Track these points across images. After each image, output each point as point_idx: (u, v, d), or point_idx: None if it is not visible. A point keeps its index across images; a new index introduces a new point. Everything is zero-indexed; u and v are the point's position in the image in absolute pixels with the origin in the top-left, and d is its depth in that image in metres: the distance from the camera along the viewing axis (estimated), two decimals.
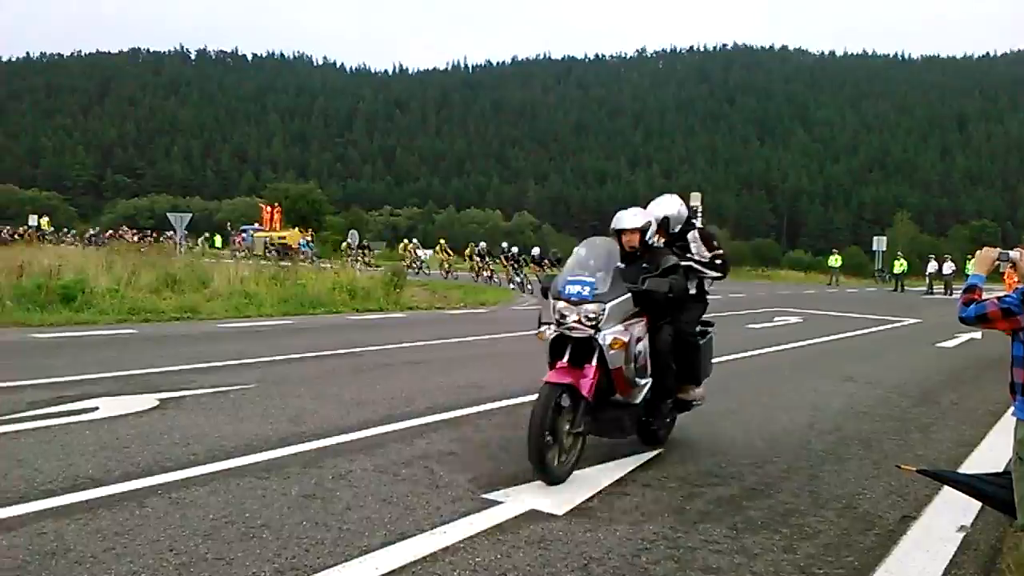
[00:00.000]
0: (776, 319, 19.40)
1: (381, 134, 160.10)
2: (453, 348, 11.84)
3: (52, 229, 56.78)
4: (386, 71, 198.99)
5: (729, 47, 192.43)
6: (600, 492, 4.89)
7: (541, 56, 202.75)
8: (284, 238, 45.90)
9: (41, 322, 12.63)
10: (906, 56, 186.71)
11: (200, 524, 4.12)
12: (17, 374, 7.88)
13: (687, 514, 4.60)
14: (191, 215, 34.62)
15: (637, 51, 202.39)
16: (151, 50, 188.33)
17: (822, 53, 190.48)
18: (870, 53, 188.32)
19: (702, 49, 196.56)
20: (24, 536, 3.83)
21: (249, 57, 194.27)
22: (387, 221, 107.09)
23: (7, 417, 6.21)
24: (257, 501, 4.52)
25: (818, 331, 16.48)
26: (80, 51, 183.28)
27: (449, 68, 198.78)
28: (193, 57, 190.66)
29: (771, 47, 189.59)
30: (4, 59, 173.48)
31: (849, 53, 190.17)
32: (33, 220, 59.36)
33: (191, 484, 4.75)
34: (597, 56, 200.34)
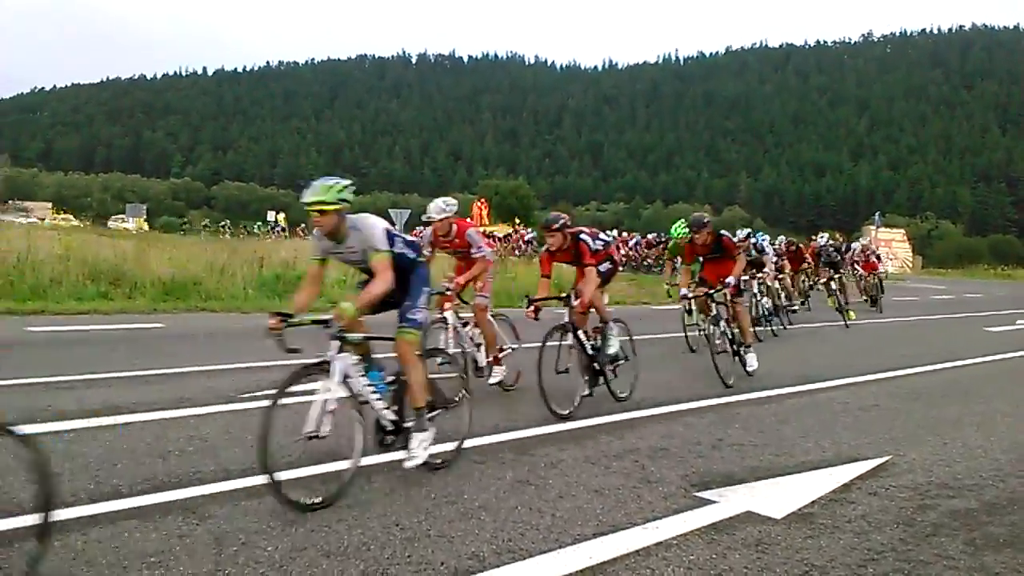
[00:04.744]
0: (1018, 322, 17.86)
1: (589, 129, 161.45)
2: (657, 344, 11.67)
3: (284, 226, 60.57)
4: (596, 67, 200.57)
5: (967, 28, 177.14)
6: (821, 498, 4.67)
7: (757, 45, 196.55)
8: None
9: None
10: None
11: (423, 502, 4.35)
12: (264, 356, 8.64)
13: (918, 526, 4.29)
14: (409, 211, 36.67)
15: (863, 36, 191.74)
16: (376, 56, 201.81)
17: None
18: None
19: (936, 31, 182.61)
20: (268, 503, 4.20)
21: (465, 59, 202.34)
22: (594, 216, 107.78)
23: (251, 394, 6.84)
24: (474, 484, 4.70)
25: None
26: (313, 59, 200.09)
27: (659, 61, 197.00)
28: (414, 61, 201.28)
29: (1016, 27, 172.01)
30: (248, 68, 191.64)
31: None
32: (271, 216, 64.35)
33: None
34: (818, 42, 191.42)
